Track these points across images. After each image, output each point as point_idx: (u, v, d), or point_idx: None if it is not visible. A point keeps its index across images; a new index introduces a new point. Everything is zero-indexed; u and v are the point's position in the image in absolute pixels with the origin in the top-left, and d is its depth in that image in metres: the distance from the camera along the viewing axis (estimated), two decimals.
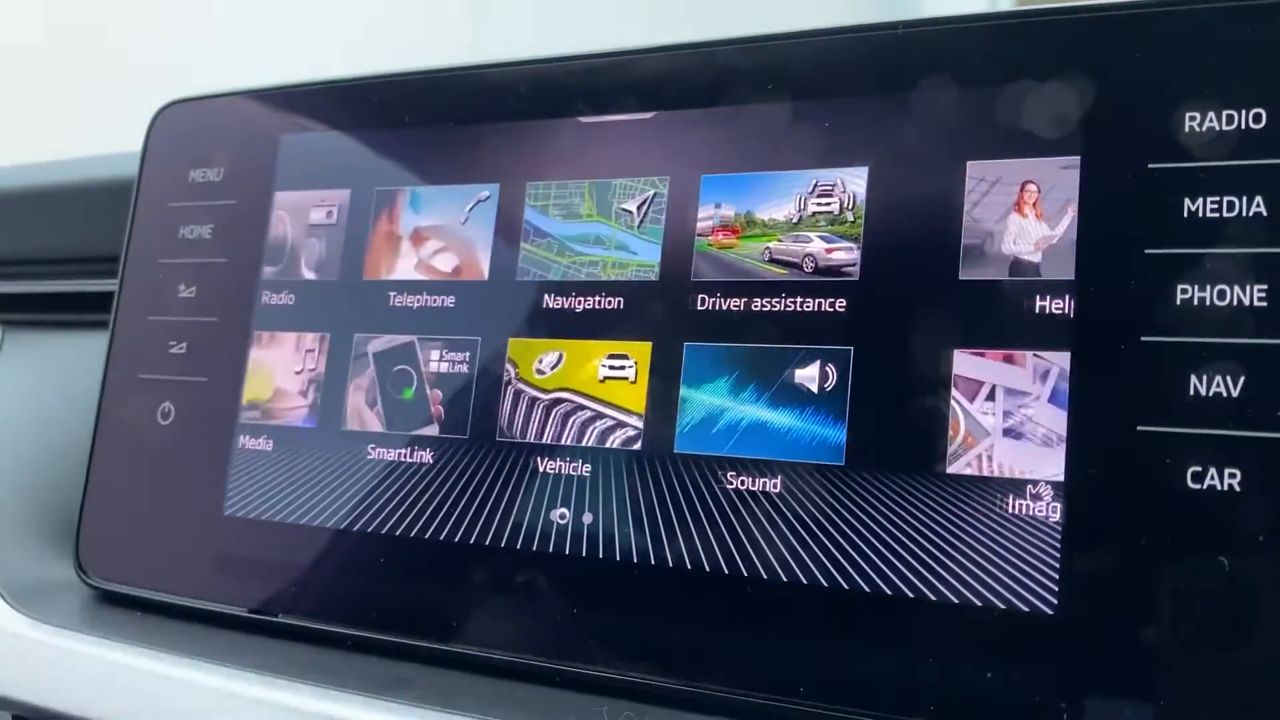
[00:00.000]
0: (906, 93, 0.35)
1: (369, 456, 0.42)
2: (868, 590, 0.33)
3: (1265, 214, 0.30)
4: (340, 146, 0.46)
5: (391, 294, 0.43)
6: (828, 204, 0.36)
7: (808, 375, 0.35)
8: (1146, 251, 0.31)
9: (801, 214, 0.36)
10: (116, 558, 0.47)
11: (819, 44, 0.37)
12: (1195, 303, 0.30)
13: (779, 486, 0.35)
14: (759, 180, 0.37)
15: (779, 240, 0.37)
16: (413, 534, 0.40)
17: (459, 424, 0.41)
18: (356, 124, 0.46)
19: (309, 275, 0.46)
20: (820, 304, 0.36)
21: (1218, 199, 0.31)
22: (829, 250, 0.36)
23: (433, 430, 0.41)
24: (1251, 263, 0.30)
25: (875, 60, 0.36)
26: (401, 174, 0.44)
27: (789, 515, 0.35)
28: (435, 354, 0.42)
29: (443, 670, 0.38)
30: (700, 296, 0.37)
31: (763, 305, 0.36)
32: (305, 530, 0.43)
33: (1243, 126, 0.31)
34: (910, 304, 0.34)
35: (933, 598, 0.32)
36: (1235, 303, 0.30)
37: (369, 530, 0.41)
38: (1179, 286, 0.31)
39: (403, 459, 0.41)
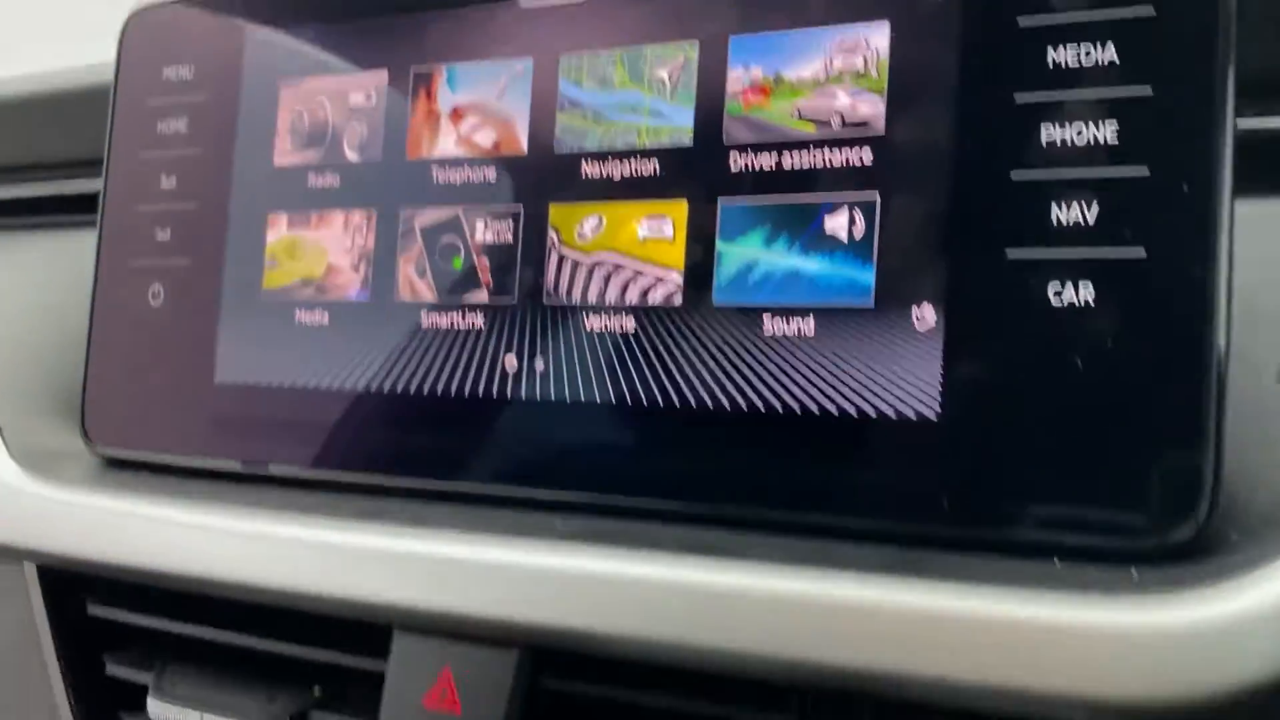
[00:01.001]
0: None
1: (423, 324, 0.45)
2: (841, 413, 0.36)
3: (1117, 61, 0.34)
4: (350, 32, 0.48)
5: (435, 170, 0.46)
6: (853, 60, 0.38)
7: (838, 224, 0.38)
8: (1015, 96, 0.35)
9: (828, 71, 0.38)
10: (119, 427, 0.52)
11: None
12: (1058, 142, 0.34)
13: (812, 330, 0.38)
14: (785, 39, 0.39)
15: (807, 97, 0.39)
16: (466, 392, 0.43)
17: (507, 289, 0.43)
18: (376, 9, 0.48)
19: (352, 157, 0.48)
20: (848, 157, 0.38)
21: (1077, 48, 0.34)
22: (854, 105, 0.38)
23: (482, 297, 0.44)
24: (1106, 104, 0.34)
25: None
26: (435, 54, 0.46)
27: (820, 355, 0.37)
28: (480, 224, 0.44)
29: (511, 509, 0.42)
30: (733, 156, 0.40)
31: (793, 162, 0.39)
32: (309, 392, 0.46)
33: None
34: (932, 153, 0.36)
35: (872, 414, 0.35)
36: (1091, 140, 0.34)
37: (410, 391, 0.44)
38: (1043, 127, 0.34)
39: (455, 324, 0.44)
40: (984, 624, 0.30)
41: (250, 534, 0.42)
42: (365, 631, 0.41)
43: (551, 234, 0.43)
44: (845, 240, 0.37)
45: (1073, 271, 0.34)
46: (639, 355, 0.41)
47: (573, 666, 0.38)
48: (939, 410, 0.35)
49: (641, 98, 0.42)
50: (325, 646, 0.43)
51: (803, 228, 0.38)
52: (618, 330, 0.41)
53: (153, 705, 0.44)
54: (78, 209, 0.66)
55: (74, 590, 0.49)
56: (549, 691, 0.38)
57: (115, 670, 0.48)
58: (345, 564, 0.40)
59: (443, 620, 0.38)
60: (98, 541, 0.45)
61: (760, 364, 0.38)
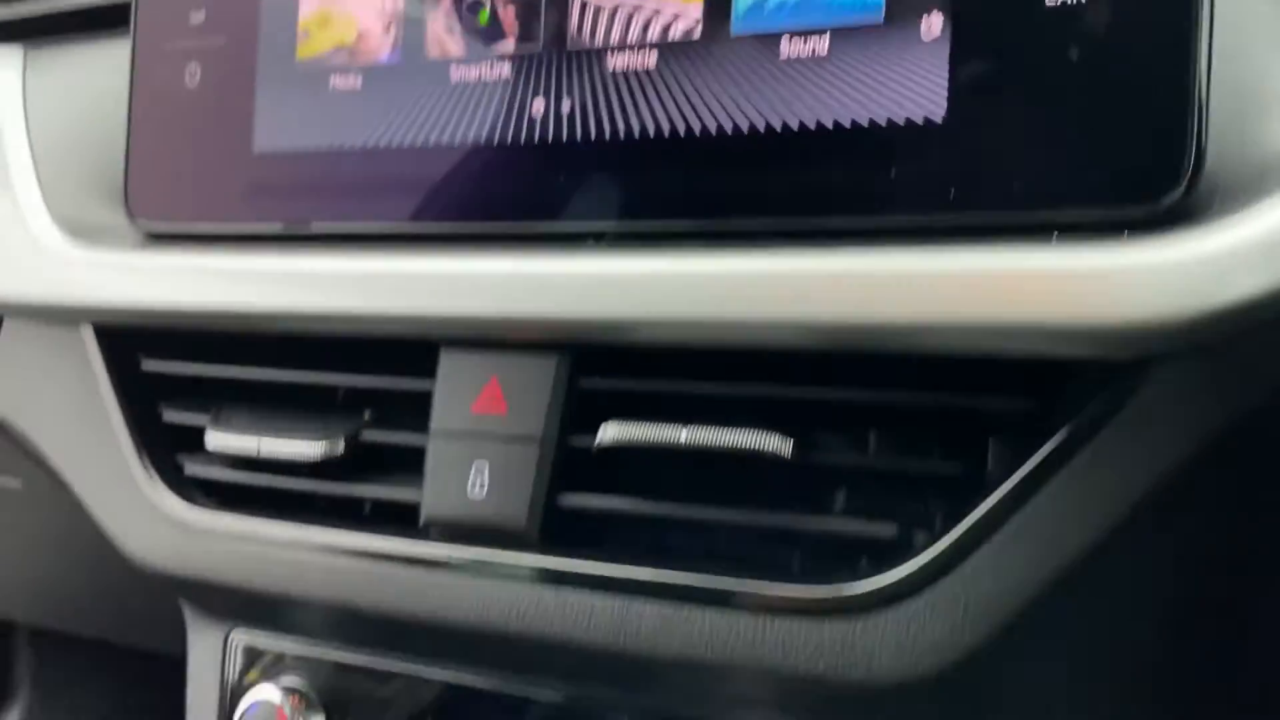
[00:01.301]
0: None
1: (452, 79, 0.47)
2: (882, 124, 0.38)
3: None
4: None
5: None
6: None
7: None
8: None
9: None
10: (162, 202, 0.54)
11: None
12: None
13: (826, 49, 0.40)
14: None
15: None
16: (496, 139, 0.46)
17: (532, 37, 0.46)
18: None
19: None
20: None
21: None
22: None
23: (509, 47, 0.46)
24: None
25: None
26: None
27: (835, 72, 0.40)
28: None
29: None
30: None
31: None
32: (346, 152, 0.48)
33: None
34: None
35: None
36: None
37: (443, 142, 0.46)
38: None
39: (483, 76, 0.46)
40: (1000, 272, 0.34)
41: (299, 270, 0.45)
42: (409, 359, 0.44)
43: None
44: None
45: None
46: (661, 89, 0.43)
47: (607, 368, 0.41)
48: (946, 111, 0.38)
49: None
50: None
51: None
52: (640, 67, 0.43)
53: (211, 438, 0.48)
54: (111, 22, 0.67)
55: (129, 348, 0.52)
56: (587, 391, 0.41)
57: (171, 417, 0.51)
58: (393, 285, 0.43)
59: (488, 326, 0.41)
60: (149, 292, 0.48)
61: (778, 86, 0.41)
